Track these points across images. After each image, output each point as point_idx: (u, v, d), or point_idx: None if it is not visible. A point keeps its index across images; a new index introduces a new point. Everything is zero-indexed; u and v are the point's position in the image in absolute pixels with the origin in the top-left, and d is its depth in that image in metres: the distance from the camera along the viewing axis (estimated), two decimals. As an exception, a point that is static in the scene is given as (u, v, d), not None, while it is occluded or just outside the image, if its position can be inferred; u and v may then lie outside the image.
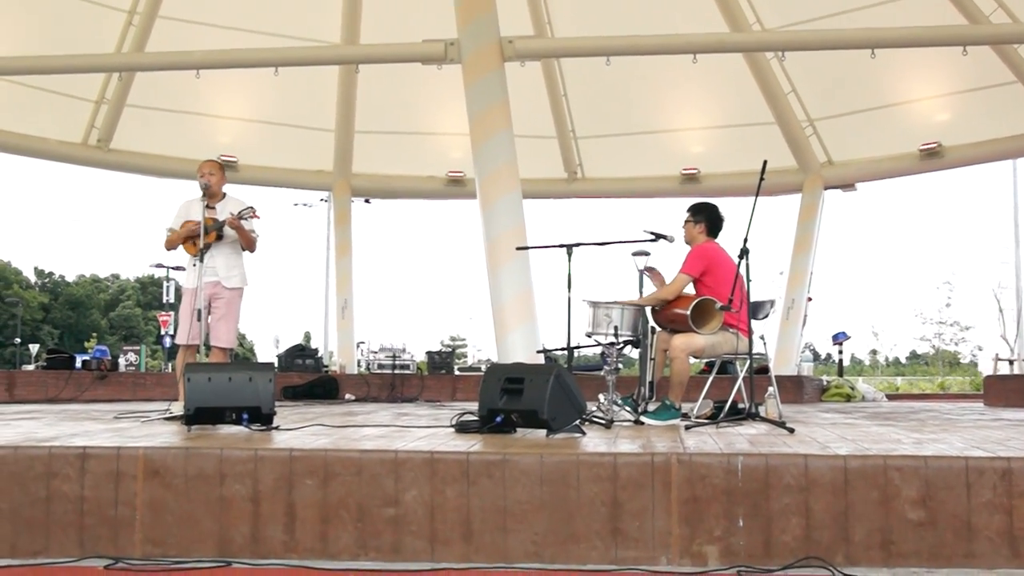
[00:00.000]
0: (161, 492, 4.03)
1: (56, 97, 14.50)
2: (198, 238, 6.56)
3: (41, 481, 4.05)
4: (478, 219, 11.46)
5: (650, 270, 6.86)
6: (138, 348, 14.25)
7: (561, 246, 6.65)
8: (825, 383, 12.26)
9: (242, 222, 6.72)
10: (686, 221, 6.74)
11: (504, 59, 11.49)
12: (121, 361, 12.58)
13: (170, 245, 6.92)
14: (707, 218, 6.67)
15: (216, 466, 4.06)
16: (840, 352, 15.35)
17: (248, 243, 6.89)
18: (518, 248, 9.76)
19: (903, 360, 49.16)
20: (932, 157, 14.52)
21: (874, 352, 44.96)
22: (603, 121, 15.77)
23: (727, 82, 14.76)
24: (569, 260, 6.61)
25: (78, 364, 11.73)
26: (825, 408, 9.39)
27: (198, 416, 5.12)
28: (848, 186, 15.74)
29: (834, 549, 3.80)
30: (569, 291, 6.51)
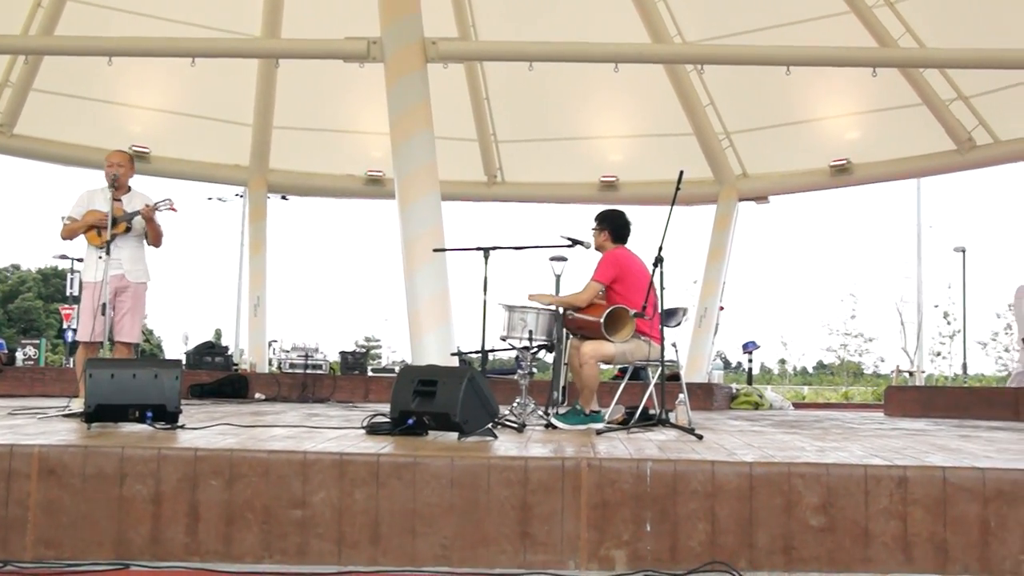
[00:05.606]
0: (57, 492, 3.90)
1: (-44, 79, 13.97)
2: (104, 229, 6.39)
3: (-72, 478, 3.88)
4: (396, 220, 11.37)
5: None
6: (38, 342, 13.75)
7: (478, 249, 6.65)
8: (734, 391, 12.49)
9: (157, 214, 6.59)
10: (592, 229, 6.86)
11: (427, 60, 11.41)
12: (19, 355, 12.14)
13: (69, 234, 6.70)
14: (610, 226, 6.78)
15: (116, 465, 3.94)
16: (750, 361, 15.69)
17: (156, 237, 6.75)
18: (435, 250, 9.71)
19: (810, 370, 50.31)
20: (842, 173, 14.88)
21: (783, 361, 46.05)
22: (524, 126, 15.79)
23: (647, 92, 14.90)
24: (486, 263, 6.61)
25: (-26, 357, 11.31)
26: (734, 415, 9.55)
27: (99, 413, 4.95)
28: (761, 199, 16.04)
29: (738, 554, 3.85)
30: (485, 294, 6.51)
